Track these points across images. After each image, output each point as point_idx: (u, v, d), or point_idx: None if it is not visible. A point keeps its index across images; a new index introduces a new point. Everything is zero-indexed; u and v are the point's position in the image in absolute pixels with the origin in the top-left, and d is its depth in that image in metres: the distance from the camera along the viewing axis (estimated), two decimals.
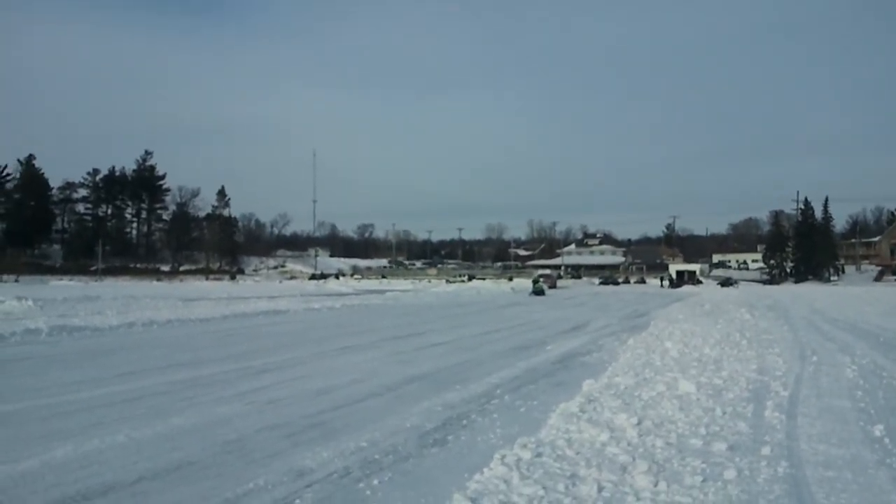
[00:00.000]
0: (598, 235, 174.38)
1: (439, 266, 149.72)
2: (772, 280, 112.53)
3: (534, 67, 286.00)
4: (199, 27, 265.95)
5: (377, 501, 5.77)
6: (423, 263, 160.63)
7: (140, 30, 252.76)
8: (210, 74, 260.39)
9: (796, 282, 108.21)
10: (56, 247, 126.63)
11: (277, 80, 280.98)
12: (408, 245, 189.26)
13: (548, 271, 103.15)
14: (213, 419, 8.79)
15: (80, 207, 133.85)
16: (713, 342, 16.60)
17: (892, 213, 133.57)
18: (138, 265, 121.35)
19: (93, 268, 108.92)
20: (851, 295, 56.61)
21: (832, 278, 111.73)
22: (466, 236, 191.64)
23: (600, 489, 5.76)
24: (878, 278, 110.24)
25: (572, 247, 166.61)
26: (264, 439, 7.82)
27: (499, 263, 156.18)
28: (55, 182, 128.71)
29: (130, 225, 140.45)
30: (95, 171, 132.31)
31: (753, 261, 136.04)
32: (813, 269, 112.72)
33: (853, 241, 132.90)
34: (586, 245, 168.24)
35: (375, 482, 6.26)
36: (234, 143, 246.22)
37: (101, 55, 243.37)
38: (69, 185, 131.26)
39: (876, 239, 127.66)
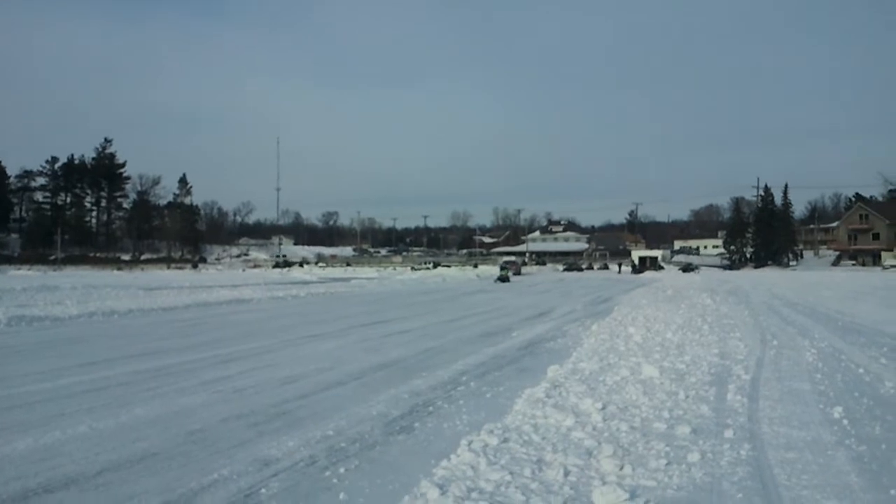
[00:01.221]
0: (562, 222, 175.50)
1: (404, 254, 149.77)
2: (732, 265, 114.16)
3: (499, 57, 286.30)
4: (161, 13, 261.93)
5: (344, 489, 5.75)
6: (388, 251, 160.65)
7: (99, 15, 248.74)
8: (172, 61, 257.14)
9: (756, 267, 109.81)
10: (14, 236, 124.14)
11: (241, 67, 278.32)
12: (372, 233, 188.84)
13: (513, 258, 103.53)
14: (177, 409, 8.70)
15: (39, 196, 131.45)
16: (675, 327, 16.79)
17: (850, 200, 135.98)
18: (98, 254, 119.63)
19: (52, 257, 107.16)
20: (810, 280, 57.57)
21: (791, 263, 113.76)
22: (431, 224, 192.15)
23: (566, 473, 5.80)
24: (835, 263, 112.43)
25: (537, 234, 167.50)
26: (229, 429, 7.75)
27: (464, 251, 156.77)
28: (12, 170, 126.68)
29: (90, 214, 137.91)
30: (54, 160, 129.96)
31: (714, 246, 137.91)
32: (772, 254, 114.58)
33: (812, 226, 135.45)
34: (550, 232, 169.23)
35: (342, 470, 6.25)
36: (196, 131, 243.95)
37: (59, 40, 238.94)
38: (27, 174, 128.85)
39: (834, 224, 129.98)
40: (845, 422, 7.60)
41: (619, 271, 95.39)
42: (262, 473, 6.18)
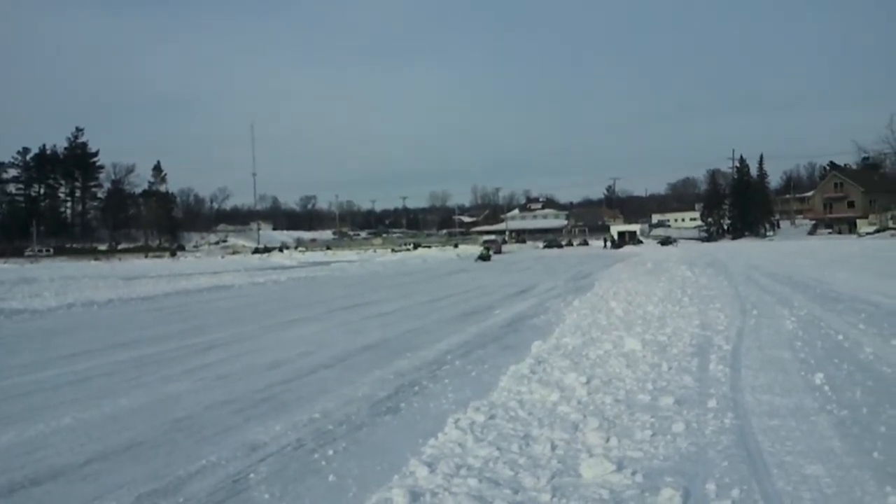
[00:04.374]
0: (540, 200, 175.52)
1: (384, 235, 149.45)
2: (710, 237, 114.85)
3: (474, 34, 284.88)
4: None
5: (333, 471, 5.75)
6: (368, 233, 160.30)
7: (67, 1, 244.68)
8: (142, 46, 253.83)
9: (733, 238, 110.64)
10: None
11: (213, 50, 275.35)
12: (352, 216, 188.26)
13: (493, 237, 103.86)
14: (162, 397, 8.66)
15: (12, 188, 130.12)
16: (656, 300, 16.87)
17: (825, 169, 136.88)
18: (75, 245, 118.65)
19: (28, 250, 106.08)
20: (787, 249, 58.01)
21: (768, 234, 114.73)
22: (410, 205, 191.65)
23: (553, 448, 5.83)
24: (811, 232, 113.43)
25: (516, 212, 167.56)
26: (215, 416, 7.73)
27: (444, 231, 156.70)
28: None
29: (65, 204, 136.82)
30: (25, 150, 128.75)
31: (692, 219, 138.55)
32: (749, 225, 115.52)
33: (787, 196, 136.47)
34: (529, 210, 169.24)
35: (330, 452, 6.25)
36: (170, 118, 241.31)
37: (25, 27, 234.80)
38: None
39: (809, 194, 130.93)
40: (826, 388, 7.68)
41: (605, 246, 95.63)
42: (250, 458, 6.17)
